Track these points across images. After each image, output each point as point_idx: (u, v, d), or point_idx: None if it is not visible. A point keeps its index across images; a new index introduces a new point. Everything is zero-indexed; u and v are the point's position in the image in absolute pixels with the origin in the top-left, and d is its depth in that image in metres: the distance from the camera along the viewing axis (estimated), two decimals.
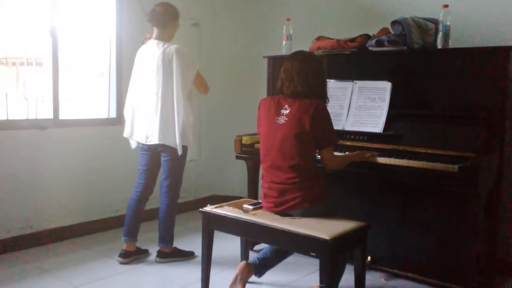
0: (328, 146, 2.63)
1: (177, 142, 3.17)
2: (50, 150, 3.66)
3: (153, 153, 3.32)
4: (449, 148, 2.67)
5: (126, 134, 3.38)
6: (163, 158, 3.30)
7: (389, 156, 2.80)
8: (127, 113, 3.37)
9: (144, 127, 3.26)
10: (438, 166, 2.58)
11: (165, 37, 3.23)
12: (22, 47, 3.67)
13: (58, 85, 3.72)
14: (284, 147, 2.57)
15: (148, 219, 3.91)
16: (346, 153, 2.91)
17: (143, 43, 3.35)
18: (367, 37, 3.30)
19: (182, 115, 3.16)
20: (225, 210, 2.72)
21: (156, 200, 3.46)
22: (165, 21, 3.21)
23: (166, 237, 3.37)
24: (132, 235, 3.37)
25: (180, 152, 3.19)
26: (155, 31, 3.24)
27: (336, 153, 2.77)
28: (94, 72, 4.17)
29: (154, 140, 3.21)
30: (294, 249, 2.65)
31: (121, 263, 3.31)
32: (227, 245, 3.49)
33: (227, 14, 4.79)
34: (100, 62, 4.13)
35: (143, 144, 3.30)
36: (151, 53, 3.21)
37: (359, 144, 3.01)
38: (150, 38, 3.28)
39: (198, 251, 3.11)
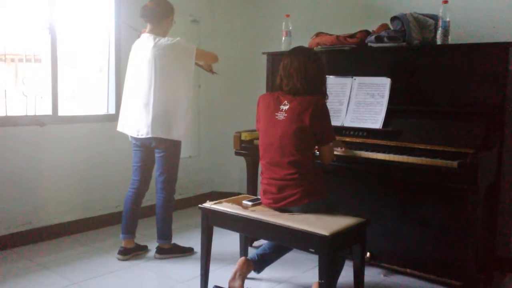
0: (327, 144, 2.64)
1: (171, 132, 3.16)
2: (49, 146, 3.66)
3: (146, 149, 3.31)
4: (449, 144, 2.67)
5: (119, 127, 3.37)
6: (157, 155, 3.29)
7: (388, 152, 2.80)
8: (121, 106, 3.37)
9: (135, 120, 3.24)
10: (437, 162, 2.58)
11: (158, 33, 3.21)
12: (21, 43, 3.66)
13: (57, 81, 3.71)
14: (283, 143, 2.56)
15: (147, 216, 3.91)
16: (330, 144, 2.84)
17: (138, 37, 3.34)
18: (367, 33, 3.30)
19: (176, 106, 3.15)
20: (224, 206, 2.72)
21: (154, 197, 3.46)
22: (157, 17, 3.19)
23: (165, 233, 3.37)
24: (130, 232, 3.37)
25: (175, 137, 3.17)
26: (148, 26, 3.23)
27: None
28: (93, 68, 4.17)
29: (144, 133, 3.19)
30: (293, 245, 2.64)
31: (120, 260, 3.32)
32: (226, 241, 3.50)
33: (226, 11, 4.78)
34: (99, 58, 4.12)
35: (136, 139, 3.29)
36: (143, 47, 3.19)
37: (358, 140, 3.01)
38: (145, 32, 3.27)
39: (197, 247, 3.12)
